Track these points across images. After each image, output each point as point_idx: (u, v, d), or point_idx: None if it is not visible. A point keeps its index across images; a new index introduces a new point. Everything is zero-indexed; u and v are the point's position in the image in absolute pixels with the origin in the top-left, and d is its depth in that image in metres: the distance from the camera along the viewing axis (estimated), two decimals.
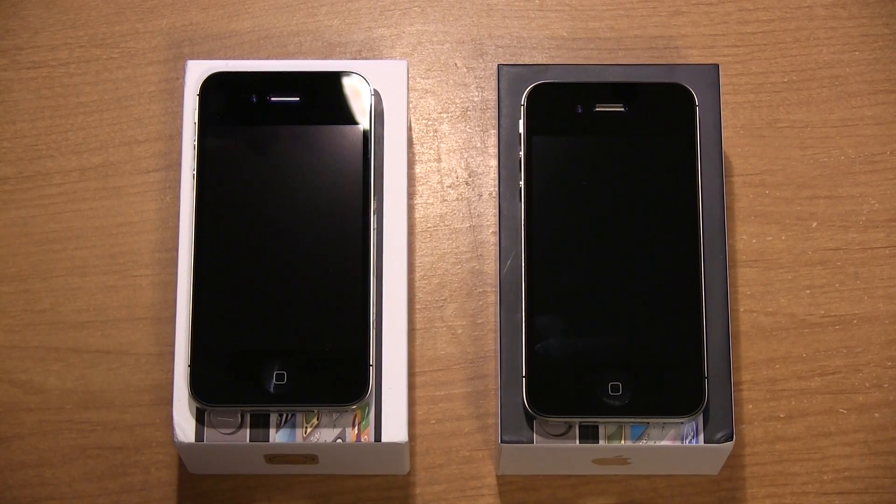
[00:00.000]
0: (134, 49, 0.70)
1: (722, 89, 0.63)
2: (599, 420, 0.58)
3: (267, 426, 0.59)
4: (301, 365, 0.58)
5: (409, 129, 0.66)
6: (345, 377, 0.58)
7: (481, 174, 0.68)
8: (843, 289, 0.66)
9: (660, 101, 0.62)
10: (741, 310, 0.66)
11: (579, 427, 0.59)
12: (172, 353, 0.60)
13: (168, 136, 0.68)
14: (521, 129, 0.62)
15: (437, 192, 0.67)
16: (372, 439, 0.59)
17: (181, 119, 0.63)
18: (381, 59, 0.69)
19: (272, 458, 0.60)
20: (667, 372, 0.59)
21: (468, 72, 0.69)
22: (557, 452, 0.59)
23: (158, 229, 0.67)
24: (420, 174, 0.68)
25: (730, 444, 0.59)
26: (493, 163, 0.68)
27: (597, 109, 0.62)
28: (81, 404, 0.64)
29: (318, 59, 0.69)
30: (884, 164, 0.68)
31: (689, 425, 0.59)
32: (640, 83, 0.63)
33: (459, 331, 0.65)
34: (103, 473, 0.64)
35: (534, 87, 0.62)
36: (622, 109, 0.62)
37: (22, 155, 0.68)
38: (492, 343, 0.65)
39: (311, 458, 0.60)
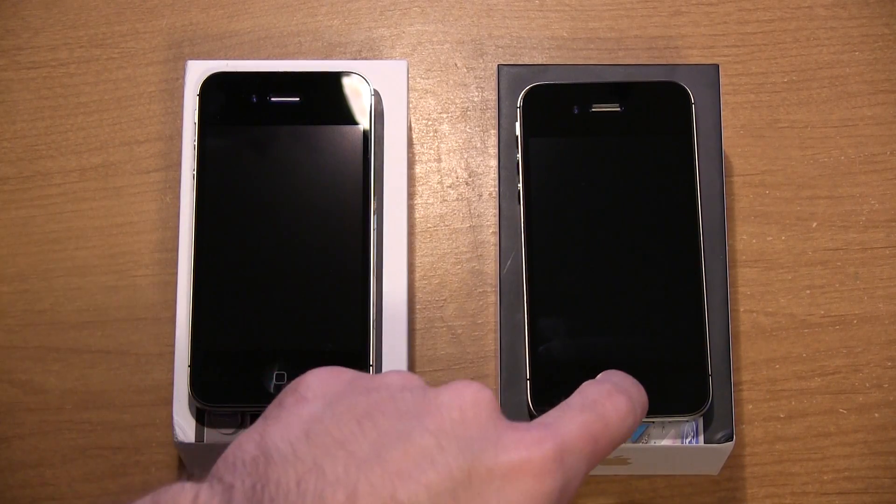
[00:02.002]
0: (134, 49, 0.70)
1: (722, 89, 0.63)
2: None
3: None
4: (301, 365, 0.58)
5: (409, 129, 0.66)
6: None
7: (481, 174, 0.68)
8: (843, 289, 0.66)
9: (656, 99, 0.62)
10: (741, 310, 0.66)
11: None
12: (172, 353, 0.60)
13: (168, 136, 0.68)
14: (518, 131, 0.62)
15: (437, 193, 0.67)
16: None
17: (181, 119, 0.63)
18: (381, 59, 0.69)
19: None
20: (670, 370, 0.59)
21: (468, 72, 0.69)
22: None
23: (158, 229, 0.67)
24: (420, 174, 0.68)
25: (730, 445, 0.59)
26: (493, 163, 0.68)
27: (593, 110, 0.62)
28: (81, 404, 0.64)
29: (318, 59, 0.69)
30: (884, 164, 0.68)
31: (689, 425, 0.59)
32: (636, 83, 0.63)
33: (459, 331, 0.65)
34: (103, 473, 0.64)
35: (530, 88, 0.62)
36: (619, 109, 0.62)
37: (22, 155, 0.68)
38: (492, 343, 0.65)
39: None
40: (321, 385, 0.44)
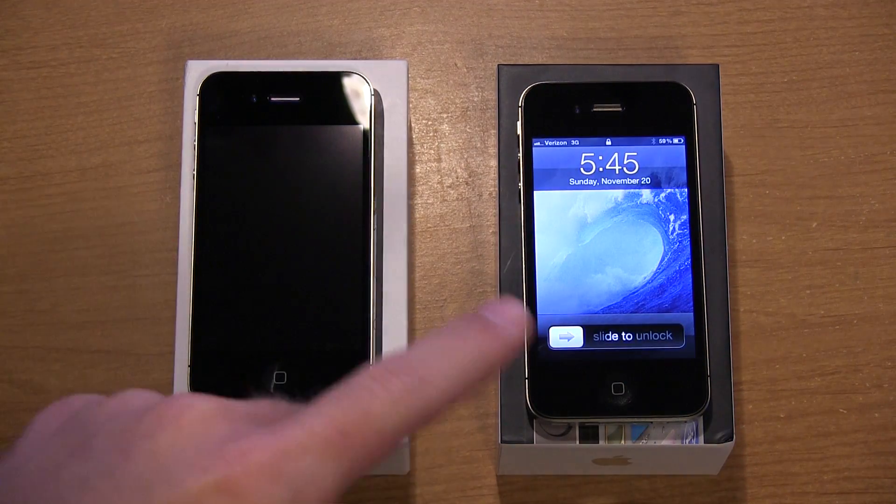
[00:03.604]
0: (134, 49, 0.70)
1: (722, 89, 0.63)
2: (603, 420, 0.58)
3: None
4: (301, 365, 0.58)
5: (410, 129, 0.66)
6: (344, 377, 0.58)
7: (481, 174, 0.68)
8: (843, 289, 0.66)
9: (657, 99, 0.62)
10: (741, 310, 0.66)
11: (579, 427, 0.59)
12: (172, 353, 0.60)
13: (168, 136, 0.68)
14: (520, 131, 0.62)
15: (437, 192, 0.68)
16: None
17: (181, 119, 0.63)
18: (381, 59, 0.69)
19: None
20: (670, 371, 0.59)
21: (468, 72, 0.69)
22: (557, 452, 0.59)
23: (158, 229, 0.67)
24: (420, 174, 0.68)
25: (730, 444, 0.59)
26: (493, 163, 0.68)
27: (595, 109, 0.62)
28: None
29: (318, 59, 0.69)
30: (884, 164, 0.68)
31: (689, 425, 0.59)
32: (638, 83, 0.63)
33: None
34: None
35: (532, 87, 0.62)
36: (620, 109, 0.62)
37: (22, 155, 0.68)
38: None
39: None
40: (46, 419, 0.42)
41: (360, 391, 0.39)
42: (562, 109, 0.62)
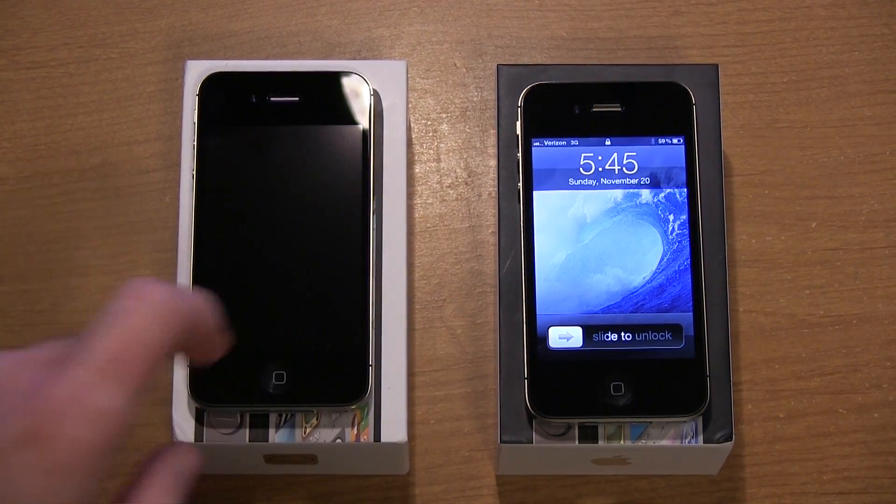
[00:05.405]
0: (134, 49, 0.70)
1: (722, 89, 0.63)
2: (603, 420, 0.58)
3: (266, 426, 0.59)
4: (300, 365, 0.58)
5: (409, 129, 0.66)
6: (344, 377, 0.58)
7: (481, 174, 0.68)
8: (842, 289, 0.66)
9: (657, 99, 0.62)
10: (741, 310, 0.66)
11: (579, 427, 0.59)
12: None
13: (168, 136, 0.68)
14: (519, 131, 0.62)
15: (437, 192, 0.68)
16: (371, 439, 0.59)
17: (181, 119, 0.63)
18: (380, 59, 0.69)
19: (271, 458, 0.60)
20: (669, 371, 0.59)
21: (467, 72, 0.69)
22: (557, 452, 0.59)
23: (158, 229, 0.67)
24: (419, 174, 0.68)
25: (729, 444, 0.59)
26: (493, 163, 0.68)
27: (594, 109, 0.62)
28: None
29: (317, 59, 0.69)
30: (884, 164, 0.68)
31: (688, 425, 0.59)
32: (637, 83, 0.63)
33: (459, 331, 0.65)
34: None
35: (531, 87, 0.62)
36: (619, 109, 0.62)
37: (22, 155, 0.68)
38: (491, 343, 0.65)
39: (310, 459, 0.60)
40: None
41: (119, 314, 0.41)
42: (561, 109, 0.62)
